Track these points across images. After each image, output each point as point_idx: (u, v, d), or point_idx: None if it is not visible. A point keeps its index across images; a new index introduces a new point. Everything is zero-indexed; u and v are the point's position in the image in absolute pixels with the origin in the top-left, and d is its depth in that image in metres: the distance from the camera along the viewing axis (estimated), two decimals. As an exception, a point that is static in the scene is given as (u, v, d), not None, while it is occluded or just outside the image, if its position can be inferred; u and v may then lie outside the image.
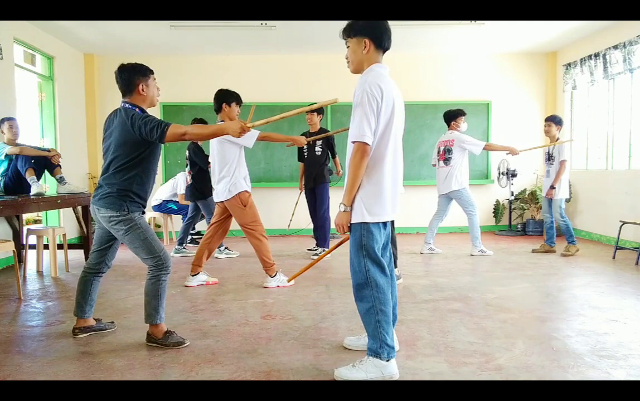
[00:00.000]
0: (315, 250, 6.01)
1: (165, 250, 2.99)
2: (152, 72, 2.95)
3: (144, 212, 2.96)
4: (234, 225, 4.46)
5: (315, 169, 5.81)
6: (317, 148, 5.81)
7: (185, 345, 2.90)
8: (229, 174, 4.24)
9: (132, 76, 2.86)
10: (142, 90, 2.88)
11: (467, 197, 5.82)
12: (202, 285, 4.44)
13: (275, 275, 4.34)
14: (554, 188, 5.63)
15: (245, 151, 4.42)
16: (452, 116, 5.90)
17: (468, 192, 5.83)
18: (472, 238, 5.91)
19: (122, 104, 2.90)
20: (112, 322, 3.28)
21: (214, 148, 4.32)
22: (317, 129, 5.82)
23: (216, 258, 5.85)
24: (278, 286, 4.31)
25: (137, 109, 2.86)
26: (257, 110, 7.64)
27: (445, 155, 5.89)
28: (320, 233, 5.91)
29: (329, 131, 6.01)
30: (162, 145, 2.96)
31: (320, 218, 5.86)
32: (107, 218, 2.85)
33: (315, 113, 5.77)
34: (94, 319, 3.18)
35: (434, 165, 6.07)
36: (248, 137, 4.20)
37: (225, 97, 4.34)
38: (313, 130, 5.83)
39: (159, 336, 2.91)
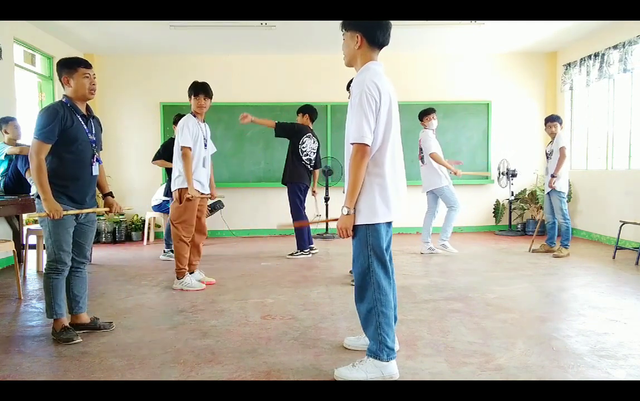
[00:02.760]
0: (316, 249, 6.03)
1: (63, 253, 2.96)
2: (82, 66, 2.98)
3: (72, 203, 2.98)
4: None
5: (284, 167, 5.85)
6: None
7: (75, 342, 2.94)
8: (177, 169, 4.25)
9: (59, 70, 3.00)
10: (67, 82, 2.98)
11: (448, 194, 5.84)
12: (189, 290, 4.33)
13: (184, 278, 4.30)
14: (554, 176, 5.61)
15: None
16: (421, 115, 5.96)
17: (450, 189, 5.84)
18: (442, 230, 5.91)
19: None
20: (110, 322, 3.28)
21: (175, 139, 4.31)
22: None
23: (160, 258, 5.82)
24: (182, 289, 4.27)
25: (63, 99, 2.99)
26: (256, 110, 7.67)
27: (420, 153, 5.98)
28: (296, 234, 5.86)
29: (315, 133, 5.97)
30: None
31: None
32: None
33: (301, 114, 5.82)
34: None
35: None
36: (183, 138, 4.15)
37: (188, 91, 4.32)
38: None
39: (56, 329, 3.01)
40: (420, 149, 5.95)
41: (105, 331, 3.17)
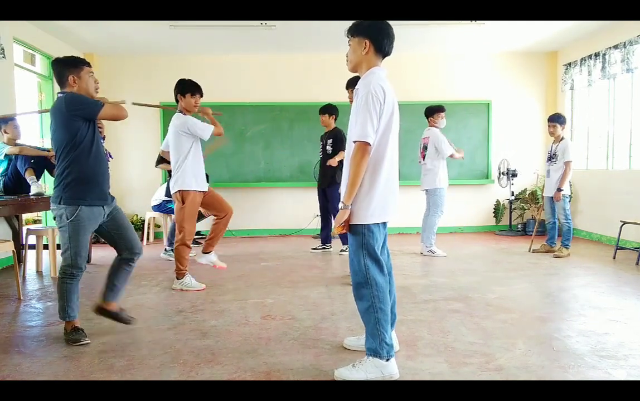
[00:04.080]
0: (324, 247, 6.08)
1: (80, 259, 2.96)
2: (86, 65, 3.03)
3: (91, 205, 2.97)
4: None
5: (326, 168, 5.83)
6: (327, 147, 5.79)
7: (83, 343, 2.92)
8: (178, 167, 4.22)
9: (63, 69, 2.98)
10: (74, 81, 2.98)
11: (438, 197, 5.77)
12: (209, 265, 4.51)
13: (184, 278, 4.30)
14: (561, 190, 5.60)
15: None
16: (430, 112, 5.88)
17: (442, 193, 5.77)
18: (423, 237, 5.86)
19: (58, 95, 3.02)
20: (132, 317, 3.30)
21: (170, 139, 4.30)
22: (331, 128, 5.87)
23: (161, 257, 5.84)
24: (182, 289, 4.27)
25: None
26: (256, 109, 7.69)
27: (424, 152, 5.91)
28: (323, 233, 6.05)
29: (342, 131, 5.92)
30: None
31: (327, 219, 5.95)
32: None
33: (327, 114, 5.84)
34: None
35: (420, 163, 6.03)
36: (205, 129, 4.19)
37: (180, 89, 4.28)
38: (328, 130, 5.91)
39: (67, 329, 3.01)
40: (425, 147, 5.87)
41: (105, 332, 3.16)
